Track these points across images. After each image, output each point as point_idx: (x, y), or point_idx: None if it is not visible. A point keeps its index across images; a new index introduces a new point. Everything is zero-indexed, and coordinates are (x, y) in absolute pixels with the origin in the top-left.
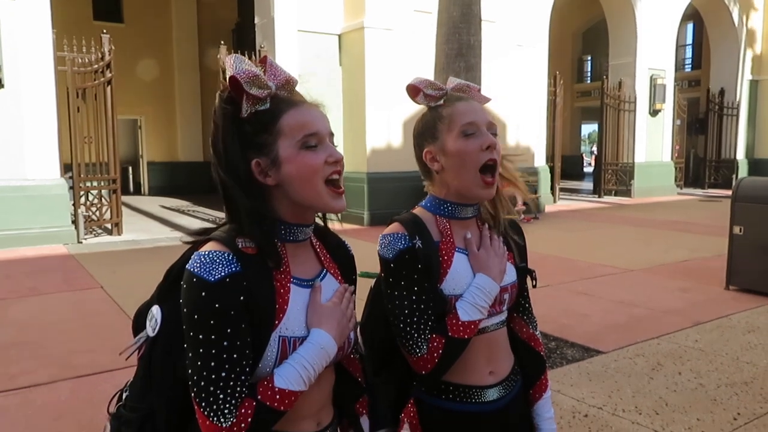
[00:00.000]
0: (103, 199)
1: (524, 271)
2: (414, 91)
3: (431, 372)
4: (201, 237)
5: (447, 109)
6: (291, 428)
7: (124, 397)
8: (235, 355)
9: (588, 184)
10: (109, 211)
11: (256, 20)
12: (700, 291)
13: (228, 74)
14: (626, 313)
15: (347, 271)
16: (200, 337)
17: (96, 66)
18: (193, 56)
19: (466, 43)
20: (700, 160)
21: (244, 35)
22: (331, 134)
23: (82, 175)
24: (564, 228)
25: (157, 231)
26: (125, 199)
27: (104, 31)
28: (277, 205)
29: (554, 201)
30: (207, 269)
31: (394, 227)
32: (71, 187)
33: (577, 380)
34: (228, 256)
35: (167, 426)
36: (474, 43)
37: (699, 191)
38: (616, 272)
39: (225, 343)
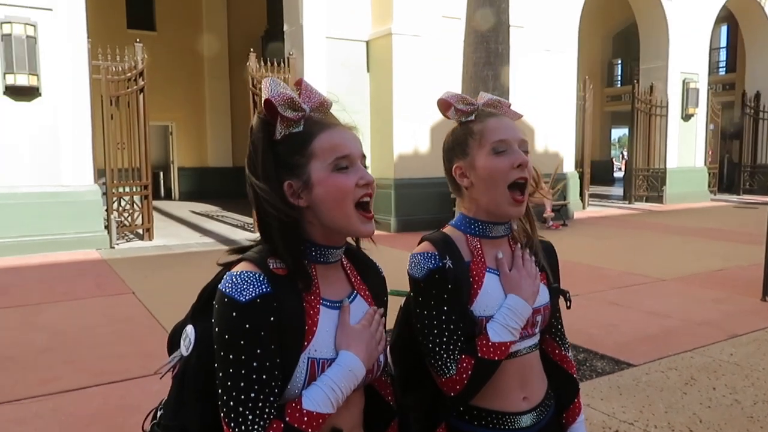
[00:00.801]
0: (135, 204)
1: (557, 292)
2: (445, 106)
3: (460, 394)
4: (234, 256)
5: (478, 125)
6: None
7: (158, 415)
8: (264, 376)
9: (618, 190)
10: (140, 216)
11: (285, 27)
12: (736, 302)
13: (263, 97)
14: (658, 324)
15: (378, 293)
16: (230, 357)
17: (129, 74)
18: (223, 63)
19: (494, 52)
20: (735, 166)
21: (274, 42)
22: (363, 156)
23: (114, 181)
24: (593, 235)
25: (187, 236)
26: (156, 204)
27: (137, 39)
28: (308, 227)
29: (583, 207)
30: (238, 289)
31: (424, 246)
32: (104, 193)
33: (607, 394)
34: (259, 276)
35: None
36: (502, 52)
37: (733, 197)
38: (647, 281)
39: (255, 364)
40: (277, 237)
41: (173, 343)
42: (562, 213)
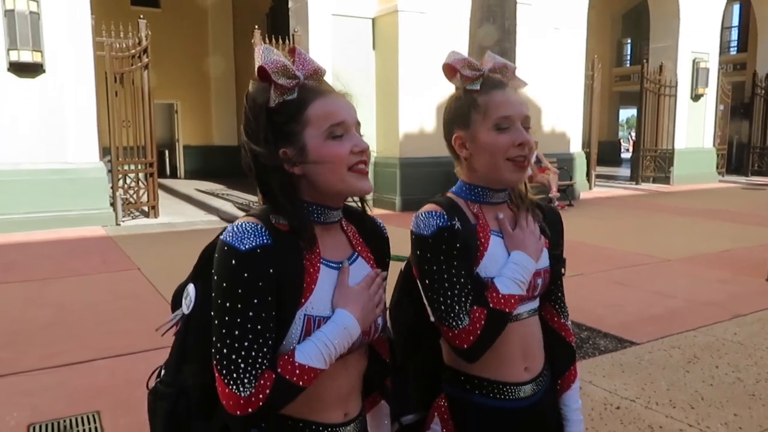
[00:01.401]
0: (140, 182)
1: (558, 258)
2: (450, 71)
3: (473, 345)
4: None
5: (483, 97)
6: (317, 418)
7: (161, 373)
8: (259, 326)
9: (625, 171)
10: (146, 194)
11: (290, 4)
12: (741, 282)
13: (257, 64)
14: (662, 304)
15: (381, 255)
16: (227, 305)
17: (133, 51)
18: (227, 41)
19: (500, 28)
20: (744, 147)
21: (278, 19)
22: (358, 123)
23: (120, 159)
24: (599, 216)
25: (192, 214)
26: (161, 182)
27: (141, 16)
28: (304, 191)
29: (590, 188)
30: (239, 239)
31: (431, 207)
32: (110, 171)
33: (609, 371)
34: (261, 228)
35: (200, 401)
36: (509, 28)
37: (742, 179)
38: (652, 262)
39: (250, 313)
40: (279, 197)
41: (176, 302)
42: (567, 193)
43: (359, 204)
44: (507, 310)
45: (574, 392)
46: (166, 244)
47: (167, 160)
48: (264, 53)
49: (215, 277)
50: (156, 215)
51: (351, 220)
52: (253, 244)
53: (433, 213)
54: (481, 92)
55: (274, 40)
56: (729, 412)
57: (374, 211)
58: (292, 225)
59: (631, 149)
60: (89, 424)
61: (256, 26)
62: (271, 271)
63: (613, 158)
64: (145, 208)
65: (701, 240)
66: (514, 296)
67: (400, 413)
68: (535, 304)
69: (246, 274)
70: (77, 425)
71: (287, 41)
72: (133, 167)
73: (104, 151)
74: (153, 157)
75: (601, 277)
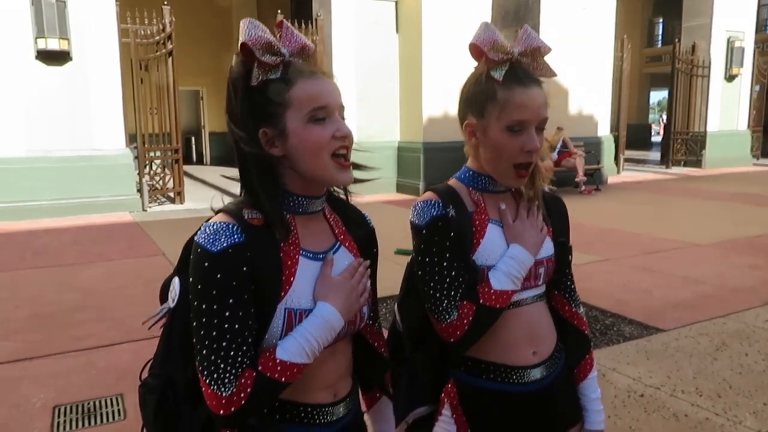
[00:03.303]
0: (166, 168)
1: (564, 246)
2: (477, 52)
3: (459, 340)
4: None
5: (503, 91)
6: (306, 399)
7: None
8: (236, 326)
9: (655, 155)
10: (171, 180)
11: None
12: None
13: (240, 40)
14: (691, 290)
15: (366, 245)
16: (203, 306)
17: (158, 38)
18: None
19: (523, 4)
20: None
21: (303, 4)
22: (342, 107)
23: (146, 145)
24: (627, 200)
25: (217, 200)
26: (188, 168)
27: (165, 2)
28: (285, 176)
29: (618, 172)
30: (210, 240)
31: (428, 195)
32: (136, 157)
33: (634, 358)
34: (232, 227)
35: (187, 391)
36: (532, 4)
37: None
38: (681, 247)
39: (227, 314)
40: (256, 184)
41: (164, 295)
42: (595, 177)
43: (343, 194)
44: (498, 306)
45: (592, 381)
46: (191, 229)
47: (193, 146)
48: (248, 28)
49: (190, 279)
50: (182, 201)
51: (335, 207)
52: (225, 244)
53: (429, 202)
54: (503, 85)
55: (297, 24)
56: (758, 401)
57: (398, 197)
58: (266, 216)
59: (661, 132)
60: (113, 406)
61: (279, 11)
62: (245, 269)
63: (643, 142)
64: (171, 194)
65: (732, 225)
66: (507, 292)
67: (411, 406)
68: (539, 290)
69: (219, 275)
70: (101, 407)
71: (310, 25)
72: (159, 154)
73: (130, 138)
74: (178, 144)
75: (628, 263)
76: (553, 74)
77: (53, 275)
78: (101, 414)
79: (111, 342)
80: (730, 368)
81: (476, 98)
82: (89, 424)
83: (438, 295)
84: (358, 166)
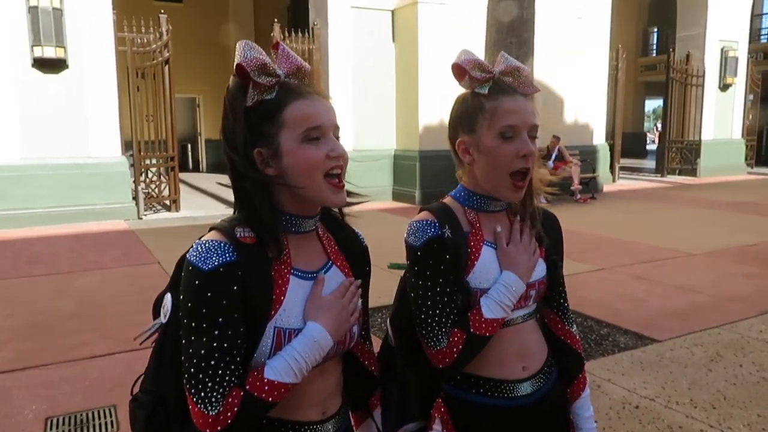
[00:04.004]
0: (161, 176)
1: (556, 264)
2: (459, 72)
3: (448, 367)
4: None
5: (491, 102)
6: (295, 417)
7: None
8: (225, 345)
9: (650, 163)
10: (167, 188)
11: None
12: None
13: (235, 61)
14: (686, 299)
15: (358, 264)
16: (192, 325)
17: (154, 46)
18: (249, 34)
19: (518, 17)
20: None
21: (299, 13)
22: (336, 127)
23: (142, 153)
24: (623, 209)
25: (213, 208)
26: (184, 176)
27: (162, 11)
28: (279, 196)
29: (613, 180)
30: (202, 258)
31: (424, 215)
32: (132, 165)
33: (629, 369)
34: (224, 246)
35: (177, 409)
36: (527, 17)
37: None
38: (677, 256)
39: (216, 332)
40: (249, 204)
41: (156, 311)
42: (590, 186)
43: (338, 212)
44: (488, 334)
45: (585, 400)
46: (186, 238)
47: (189, 154)
48: (244, 50)
49: (181, 297)
50: (177, 209)
51: (328, 227)
52: (216, 263)
53: (425, 222)
54: (489, 96)
55: (294, 33)
56: (753, 413)
57: (393, 205)
58: (259, 234)
59: (657, 141)
60: (106, 417)
61: (276, 20)
62: (236, 288)
63: (638, 150)
64: (167, 202)
65: (727, 234)
66: (498, 320)
67: (402, 422)
68: (530, 309)
69: (209, 294)
70: (94, 419)
71: (307, 34)
72: (154, 161)
73: (126, 146)
74: (174, 151)
75: (623, 272)
76: (536, 90)
77: (47, 283)
78: (94, 426)
79: (105, 352)
80: (725, 379)
81: (465, 115)
82: None
83: (429, 321)
84: (350, 194)
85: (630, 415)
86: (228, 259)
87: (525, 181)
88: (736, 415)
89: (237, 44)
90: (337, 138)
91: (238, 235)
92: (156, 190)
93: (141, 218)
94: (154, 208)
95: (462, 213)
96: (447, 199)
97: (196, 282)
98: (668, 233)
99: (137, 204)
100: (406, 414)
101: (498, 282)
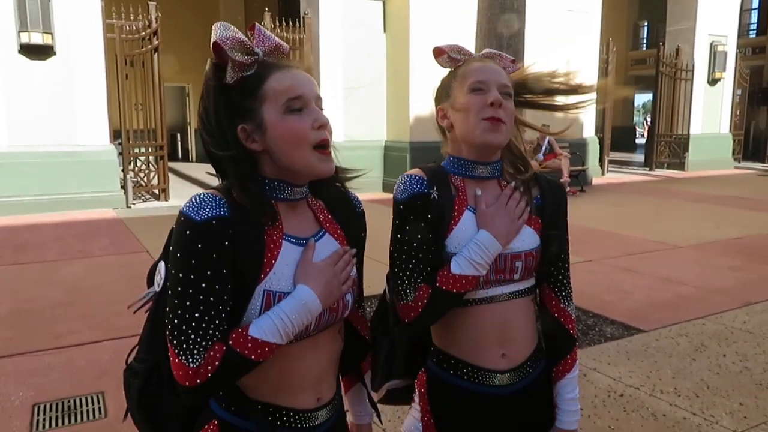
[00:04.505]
0: (150, 165)
1: (554, 239)
2: (438, 52)
3: (413, 321)
4: None
5: (462, 68)
6: (287, 402)
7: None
8: (211, 298)
9: (640, 157)
10: (156, 177)
11: None
12: (753, 270)
13: (212, 41)
14: (672, 291)
15: (354, 229)
16: (180, 275)
17: (143, 33)
18: (239, 24)
19: (509, 7)
20: (761, 133)
21: (290, 2)
22: (319, 98)
23: (130, 142)
24: (611, 202)
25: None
26: (173, 165)
27: None
28: (266, 169)
29: (602, 173)
30: (195, 209)
31: (415, 171)
32: (120, 153)
33: (614, 358)
34: (219, 200)
35: (170, 376)
36: (518, 7)
37: (758, 165)
38: (663, 248)
39: (203, 285)
40: (233, 179)
41: (150, 280)
42: (579, 179)
43: (337, 178)
44: (454, 290)
45: (569, 381)
46: None
47: (179, 143)
48: (220, 29)
49: (171, 247)
50: (166, 198)
51: (320, 196)
52: (209, 215)
53: (413, 177)
54: (462, 65)
55: (284, 22)
56: (735, 401)
57: (384, 196)
58: (250, 206)
59: (646, 134)
60: (93, 404)
61: (267, 9)
62: (227, 243)
63: (627, 143)
64: (156, 191)
65: (714, 227)
66: (467, 277)
67: (387, 377)
68: (518, 286)
69: (200, 245)
70: (81, 405)
71: (298, 24)
72: (143, 150)
73: (115, 134)
74: (164, 140)
75: (610, 264)
76: (517, 68)
77: (34, 271)
78: (81, 412)
79: (92, 339)
80: (708, 368)
81: (442, 87)
82: (69, 422)
83: (401, 274)
84: (343, 170)
85: (615, 403)
86: (221, 213)
87: (499, 122)
88: (718, 403)
89: (213, 26)
90: (321, 109)
91: (235, 194)
92: (145, 179)
93: (129, 207)
94: (142, 197)
95: (449, 179)
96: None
97: (187, 232)
98: (656, 226)
99: (126, 193)
100: (391, 371)
101: (471, 240)
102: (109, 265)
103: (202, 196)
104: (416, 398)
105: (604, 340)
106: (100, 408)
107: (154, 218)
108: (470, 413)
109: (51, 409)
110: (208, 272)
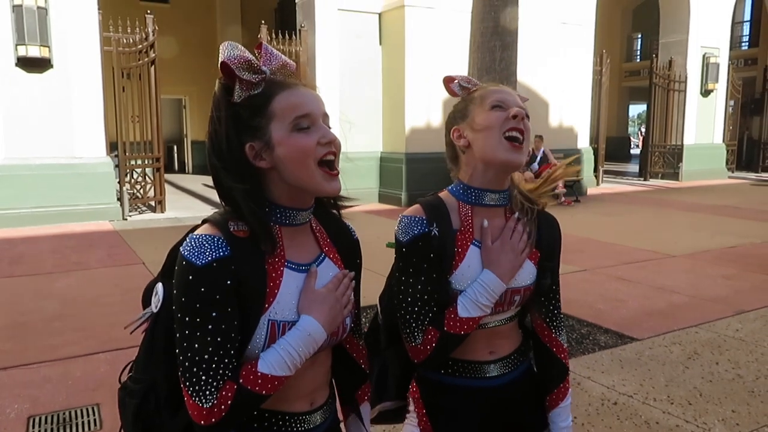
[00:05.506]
0: (147, 177)
1: (548, 270)
2: (448, 80)
3: (423, 362)
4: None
5: (479, 91)
6: (283, 408)
7: (132, 369)
8: (219, 339)
9: (634, 167)
10: (153, 189)
11: (297, 0)
12: (746, 278)
13: (220, 61)
14: (665, 299)
15: (350, 256)
16: (186, 319)
17: (140, 46)
18: (236, 36)
19: (502, 21)
20: (754, 143)
21: (287, 15)
22: (326, 115)
23: (127, 154)
24: (606, 212)
25: (199, 209)
26: (169, 177)
27: (148, 11)
28: (272, 189)
29: (597, 184)
30: (195, 253)
31: (415, 209)
32: (117, 165)
33: (608, 367)
34: (217, 240)
35: (167, 397)
36: (510, 21)
37: (751, 175)
38: (657, 258)
39: (209, 327)
40: (239, 202)
41: (146, 300)
42: (574, 189)
43: (334, 204)
44: (462, 332)
45: (563, 410)
46: (171, 239)
47: (176, 155)
48: (227, 49)
49: (174, 291)
50: (163, 210)
51: (320, 219)
52: (210, 258)
53: (414, 218)
54: (477, 89)
55: (281, 35)
56: (727, 409)
57: (380, 207)
58: (252, 229)
59: (640, 145)
60: (89, 416)
61: (263, 21)
62: (229, 283)
63: (622, 154)
64: (152, 203)
65: (708, 236)
66: (473, 318)
67: (379, 399)
68: (509, 314)
69: (203, 289)
70: (77, 417)
71: (294, 36)
72: (140, 162)
73: (111, 146)
74: (160, 152)
75: (605, 273)
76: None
77: (30, 284)
78: (77, 424)
79: (88, 351)
80: (701, 376)
81: (457, 110)
82: None
83: (408, 317)
84: (339, 198)
85: (608, 411)
86: (221, 254)
87: (521, 143)
88: (711, 410)
89: (221, 45)
90: (329, 127)
91: (231, 229)
92: (141, 191)
93: (126, 219)
94: (139, 209)
95: (456, 208)
96: (443, 193)
97: (190, 277)
98: (650, 235)
99: (122, 205)
100: (383, 392)
101: (476, 281)
102: (105, 277)
103: (201, 239)
104: (411, 406)
105: (597, 348)
106: (95, 420)
107: (150, 230)
108: (465, 412)
109: (46, 422)
110: (214, 314)
